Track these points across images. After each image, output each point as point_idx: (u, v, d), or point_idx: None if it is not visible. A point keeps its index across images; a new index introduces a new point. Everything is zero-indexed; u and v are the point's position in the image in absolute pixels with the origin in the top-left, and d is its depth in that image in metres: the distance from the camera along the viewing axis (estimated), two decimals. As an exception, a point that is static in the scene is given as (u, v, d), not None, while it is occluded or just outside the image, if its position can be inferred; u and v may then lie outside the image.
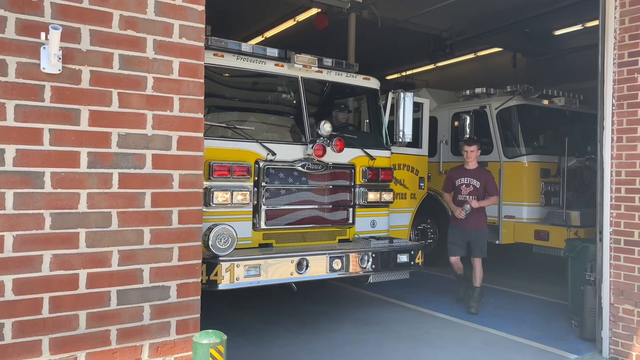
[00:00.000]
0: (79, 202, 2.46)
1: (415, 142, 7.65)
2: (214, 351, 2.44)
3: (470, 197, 6.76)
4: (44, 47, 2.35)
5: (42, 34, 2.33)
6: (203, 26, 2.81)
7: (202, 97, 2.82)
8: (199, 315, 2.81)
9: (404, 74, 17.33)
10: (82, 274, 2.47)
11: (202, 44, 2.82)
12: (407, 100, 6.77)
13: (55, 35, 2.28)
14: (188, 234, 2.77)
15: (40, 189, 2.37)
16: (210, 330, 2.53)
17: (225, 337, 2.52)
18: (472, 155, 6.89)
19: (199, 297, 2.81)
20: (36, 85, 2.36)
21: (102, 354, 2.53)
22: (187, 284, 2.76)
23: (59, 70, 2.40)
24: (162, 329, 2.69)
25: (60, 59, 2.39)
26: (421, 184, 8.06)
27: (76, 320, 2.46)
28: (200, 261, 2.81)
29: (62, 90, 2.42)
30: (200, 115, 2.81)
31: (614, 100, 5.18)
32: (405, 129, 6.76)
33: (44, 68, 2.37)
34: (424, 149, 8.09)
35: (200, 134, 2.81)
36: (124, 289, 2.59)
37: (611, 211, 5.16)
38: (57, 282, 2.41)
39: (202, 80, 2.81)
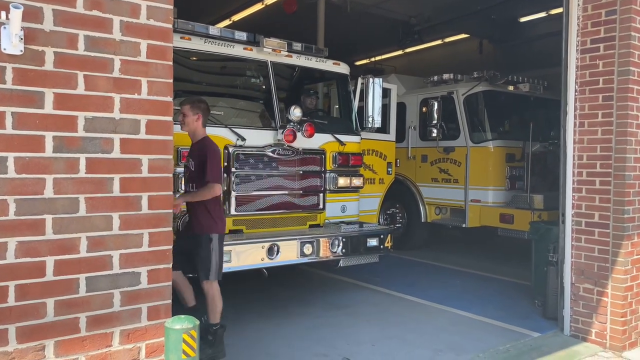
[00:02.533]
0: (44, 187, 2.39)
1: (384, 128, 7.70)
2: (187, 336, 2.43)
3: (188, 185, 4.78)
4: (5, 27, 2.25)
5: (2, 13, 2.24)
6: (171, 7, 2.75)
7: (171, 80, 2.76)
8: (170, 301, 2.78)
9: (372, 59, 17.37)
10: (49, 261, 2.41)
11: (170, 26, 2.75)
12: (376, 86, 6.81)
13: (16, 15, 2.19)
14: (158, 219, 2.72)
15: (4, 174, 2.29)
16: (182, 316, 2.52)
17: (197, 322, 2.51)
18: (186, 121, 4.67)
19: (170, 283, 2.78)
20: (-3, 66, 2.28)
21: (72, 342, 2.48)
22: (157, 269, 2.72)
23: (21, 51, 2.31)
24: (133, 315, 2.65)
25: (22, 39, 2.29)
26: (389, 169, 8.14)
27: (44, 308, 2.40)
28: (171, 247, 2.77)
29: (25, 72, 2.33)
30: (170, 99, 2.76)
31: (576, 86, 5.32)
32: (375, 114, 6.81)
33: (4, 49, 2.27)
34: (392, 135, 8.16)
35: (170, 118, 2.76)
36: (93, 275, 2.53)
37: (573, 194, 5.33)
38: (23, 269, 2.35)
39: (171, 63, 2.75)
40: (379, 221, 8.16)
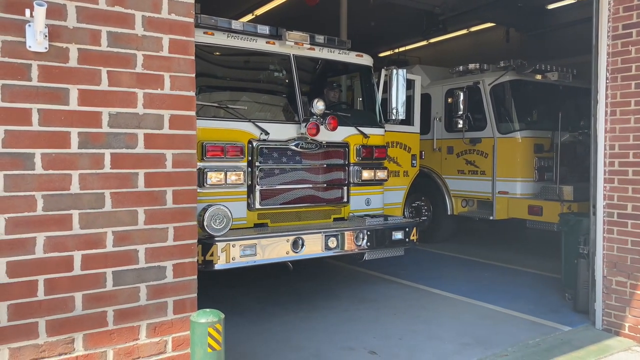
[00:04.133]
0: (71, 183, 2.43)
1: (408, 120, 7.60)
2: (212, 330, 2.44)
3: None
4: (29, 25, 2.28)
5: (27, 11, 2.26)
6: (192, 1, 2.75)
7: (194, 75, 2.76)
8: (195, 294, 2.81)
9: (396, 50, 17.19)
10: (77, 255, 2.45)
11: (192, 20, 2.76)
12: (400, 78, 6.72)
13: (40, 12, 2.21)
14: (183, 213, 2.74)
15: (31, 171, 2.33)
16: (207, 310, 2.53)
17: (223, 315, 2.52)
18: None
19: (195, 277, 2.80)
20: (23, 64, 2.31)
21: (99, 335, 2.52)
22: (183, 263, 2.74)
23: (46, 48, 2.34)
24: (159, 309, 2.68)
25: (46, 36, 2.32)
26: (413, 162, 8.06)
27: (72, 302, 2.45)
28: (195, 241, 2.79)
29: (50, 69, 2.37)
30: (192, 93, 2.77)
31: (607, 74, 5.16)
32: (398, 106, 6.73)
33: (30, 46, 2.31)
34: (416, 127, 8.06)
35: (193, 113, 2.77)
36: (120, 269, 2.57)
37: (605, 185, 5.18)
38: (51, 264, 2.39)
39: (193, 57, 2.76)
40: (404, 214, 8.08)
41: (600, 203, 5.21)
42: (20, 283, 2.33)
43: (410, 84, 7.72)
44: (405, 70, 6.94)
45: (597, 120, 5.25)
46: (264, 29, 5.98)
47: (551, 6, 12.79)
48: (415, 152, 8.03)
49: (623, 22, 5.04)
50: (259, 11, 12.91)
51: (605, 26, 5.16)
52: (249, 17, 13.16)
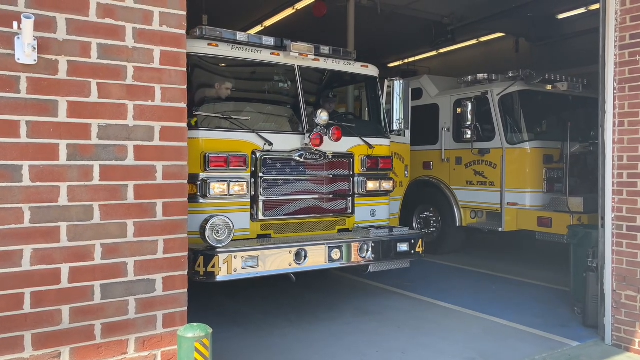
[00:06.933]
0: (59, 195, 2.42)
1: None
2: (199, 345, 2.40)
3: None
4: (18, 37, 2.29)
5: (15, 24, 2.27)
6: (184, 13, 2.74)
7: (185, 87, 2.75)
8: (185, 308, 2.77)
9: (405, 61, 17.17)
10: (64, 268, 2.43)
11: (183, 32, 2.75)
12: (403, 88, 6.69)
13: (28, 25, 2.22)
14: (173, 226, 2.72)
15: (19, 183, 2.33)
16: (195, 324, 2.49)
17: (210, 330, 2.48)
18: None
19: (185, 290, 2.77)
20: (11, 76, 2.31)
21: (87, 349, 2.49)
22: (173, 276, 2.72)
23: (35, 60, 2.34)
24: (148, 322, 2.65)
25: (35, 49, 2.33)
26: (406, 172, 8.04)
27: (59, 315, 2.43)
28: (186, 254, 2.76)
29: (39, 81, 2.37)
30: (184, 105, 2.75)
31: (615, 84, 5.07)
32: (401, 116, 6.69)
33: (18, 59, 2.31)
34: (407, 138, 8.02)
35: (184, 124, 2.75)
36: (108, 282, 2.54)
37: (613, 197, 5.07)
38: (38, 276, 2.37)
39: (185, 69, 2.75)
40: (399, 224, 8.03)
41: (609, 215, 5.10)
42: (6, 296, 2.31)
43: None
44: (402, 80, 6.85)
45: (604, 131, 5.15)
46: (269, 41, 5.99)
47: (561, 16, 12.70)
48: (407, 162, 8.02)
49: (630, 32, 4.96)
50: (268, 22, 12.99)
51: (612, 36, 5.07)
52: (259, 28, 13.25)
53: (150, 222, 2.64)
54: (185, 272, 2.75)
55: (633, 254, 4.92)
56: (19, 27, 2.27)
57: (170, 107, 2.70)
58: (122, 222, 2.57)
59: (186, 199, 2.76)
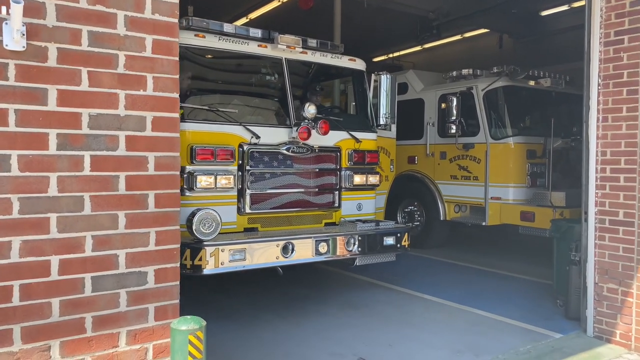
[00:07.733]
0: (48, 185, 2.36)
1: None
2: (193, 337, 2.38)
3: None
4: (6, 23, 2.23)
5: (3, 9, 2.21)
6: (176, 1, 2.69)
7: (177, 76, 2.71)
8: (178, 301, 2.74)
9: (391, 55, 17.19)
10: (54, 260, 2.38)
11: (176, 20, 2.70)
12: (390, 82, 6.70)
13: (16, 10, 2.16)
14: (165, 217, 2.68)
15: (7, 173, 2.27)
16: (188, 317, 2.46)
17: (204, 323, 2.45)
18: None
19: (177, 283, 2.74)
20: (-1, 63, 2.25)
21: (77, 342, 2.45)
22: (165, 269, 2.68)
23: (23, 47, 2.28)
24: (140, 315, 2.61)
25: (24, 35, 2.27)
26: (392, 166, 8.08)
27: (49, 308, 2.38)
28: (178, 245, 2.72)
29: (28, 69, 2.31)
30: (176, 95, 2.71)
31: (599, 80, 5.14)
32: (388, 111, 6.70)
33: (7, 45, 2.25)
34: (393, 132, 8.05)
35: (176, 114, 2.71)
36: (99, 275, 2.50)
37: (596, 191, 5.15)
38: (27, 269, 2.32)
39: (177, 58, 2.70)
40: (396, 219, 8.09)
41: (592, 209, 5.18)
42: (-6, 288, 2.26)
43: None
44: (388, 75, 6.85)
45: (588, 126, 5.22)
46: (256, 32, 5.94)
47: (544, 13, 12.83)
48: (393, 157, 8.05)
49: (615, 29, 5.03)
50: (253, 14, 12.87)
51: (597, 32, 5.14)
52: (244, 20, 13.12)
53: (142, 213, 2.60)
54: (178, 265, 2.72)
55: (615, 247, 5.01)
56: (7, 13, 2.20)
57: (163, 96, 2.65)
58: (113, 214, 2.52)
59: (178, 191, 2.73)
